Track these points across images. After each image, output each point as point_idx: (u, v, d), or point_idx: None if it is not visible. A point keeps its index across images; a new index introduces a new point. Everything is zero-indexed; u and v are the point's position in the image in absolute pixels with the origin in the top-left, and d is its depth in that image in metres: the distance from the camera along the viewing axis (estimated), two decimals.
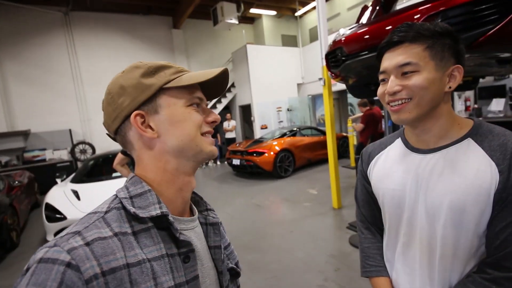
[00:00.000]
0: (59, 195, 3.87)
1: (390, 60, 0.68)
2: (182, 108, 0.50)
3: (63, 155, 7.62)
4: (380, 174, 0.81)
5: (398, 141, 0.80)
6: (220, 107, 9.81)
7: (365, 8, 2.93)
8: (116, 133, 0.51)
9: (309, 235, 3.33)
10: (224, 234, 0.64)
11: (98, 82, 8.15)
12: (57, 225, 3.44)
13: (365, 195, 0.89)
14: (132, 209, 0.45)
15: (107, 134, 0.54)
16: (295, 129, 7.30)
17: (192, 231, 0.53)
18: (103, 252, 0.39)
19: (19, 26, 7.38)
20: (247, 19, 11.22)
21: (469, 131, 0.68)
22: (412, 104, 0.66)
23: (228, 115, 9.06)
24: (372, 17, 2.72)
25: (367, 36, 2.14)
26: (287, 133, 7.06)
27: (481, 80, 5.03)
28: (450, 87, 0.66)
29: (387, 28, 1.99)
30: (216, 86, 0.57)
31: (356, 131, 5.51)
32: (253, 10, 10.05)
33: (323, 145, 6.34)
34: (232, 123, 8.93)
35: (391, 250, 0.82)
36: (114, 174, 4.58)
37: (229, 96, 10.08)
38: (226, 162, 7.54)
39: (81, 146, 7.87)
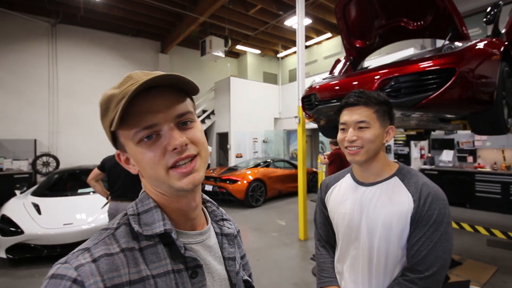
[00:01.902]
0: (18, 207, 3.64)
1: (349, 116, 0.94)
2: (135, 147, 0.46)
3: (23, 166, 7.14)
4: (335, 201, 1.05)
5: (348, 176, 1.07)
6: None
7: (337, 61, 3.41)
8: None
9: (274, 264, 3.43)
10: (240, 244, 0.65)
11: (75, 95, 8.02)
12: (11, 240, 3.19)
13: (323, 218, 1.13)
14: (136, 227, 0.46)
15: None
16: (269, 160, 7.58)
17: (201, 245, 0.52)
18: (108, 269, 0.41)
19: (2, 31, 7.23)
20: (233, 54, 11.92)
21: (396, 171, 0.97)
22: (363, 151, 0.92)
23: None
24: (343, 71, 3.19)
25: (337, 88, 2.52)
26: (261, 163, 7.30)
27: (433, 132, 5.77)
28: (386, 140, 0.96)
29: (354, 83, 2.38)
30: (181, 85, 0.49)
31: (323, 165, 5.89)
32: (239, 47, 10.76)
33: (294, 178, 6.63)
34: (208, 149, 9.03)
35: (341, 263, 1.03)
36: (79, 190, 4.41)
37: (208, 122, 10.29)
38: None
39: (44, 158, 7.44)
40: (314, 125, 7.58)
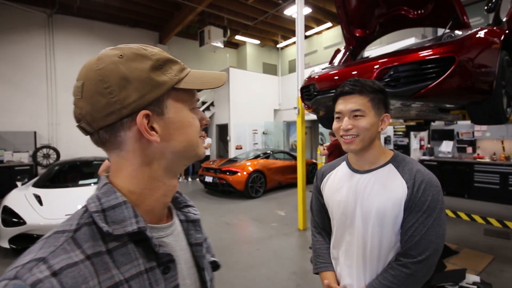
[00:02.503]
0: (20, 198, 3.68)
1: (345, 105, 0.94)
2: (188, 112, 0.48)
3: (24, 158, 7.17)
4: (330, 189, 1.06)
5: (344, 164, 1.07)
6: None
7: (337, 51, 3.38)
8: (102, 129, 0.43)
9: (274, 254, 3.48)
10: (202, 229, 0.62)
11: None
12: (14, 230, 3.25)
13: (318, 206, 1.14)
14: (105, 227, 0.40)
15: (79, 126, 0.44)
16: (269, 152, 7.59)
17: (171, 236, 0.50)
18: (74, 283, 0.34)
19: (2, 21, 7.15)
20: (232, 44, 11.78)
21: (390, 159, 0.97)
22: (358, 139, 0.93)
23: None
24: (342, 60, 3.16)
25: (336, 77, 2.51)
26: (261, 155, 7.32)
27: (432, 123, 5.76)
28: (381, 129, 0.96)
29: (353, 72, 2.37)
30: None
31: (323, 157, 5.91)
32: (238, 37, 10.63)
33: (293, 169, 6.66)
34: (208, 140, 9.05)
35: (336, 249, 1.05)
36: (80, 182, 4.45)
37: (208, 114, 10.27)
38: (198, 179, 7.55)
39: (45, 150, 7.47)
40: (314, 117, 7.56)
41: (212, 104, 10.38)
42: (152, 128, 0.44)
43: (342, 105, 0.95)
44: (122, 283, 0.38)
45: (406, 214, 0.88)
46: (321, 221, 1.14)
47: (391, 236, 0.90)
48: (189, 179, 9.15)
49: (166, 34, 9.41)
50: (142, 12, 8.44)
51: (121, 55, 0.42)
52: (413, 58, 2.06)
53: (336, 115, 0.98)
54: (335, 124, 0.99)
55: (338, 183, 1.03)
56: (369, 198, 0.93)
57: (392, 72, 2.10)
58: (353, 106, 0.92)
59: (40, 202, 3.62)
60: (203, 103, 10.33)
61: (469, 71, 1.91)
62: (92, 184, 4.18)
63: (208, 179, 6.80)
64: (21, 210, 3.41)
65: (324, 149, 5.20)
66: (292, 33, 10.09)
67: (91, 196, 0.44)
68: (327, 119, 3.30)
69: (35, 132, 7.54)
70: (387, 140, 7.27)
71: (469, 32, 1.99)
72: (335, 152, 5.01)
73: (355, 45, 3.33)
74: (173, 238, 0.50)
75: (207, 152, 9.03)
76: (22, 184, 4.42)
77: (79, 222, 0.40)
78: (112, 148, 0.45)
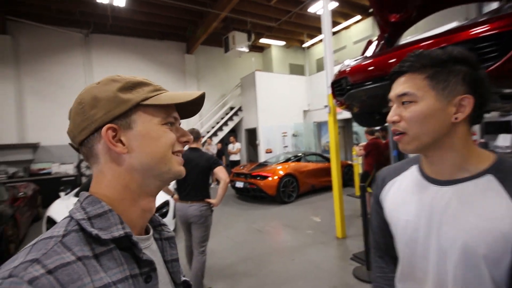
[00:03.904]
0: (62, 209, 3.85)
1: (394, 89, 0.69)
2: (157, 126, 0.50)
3: (69, 169, 7.70)
4: (394, 202, 0.77)
5: (414, 168, 0.76)
6: (226, 129, 9.97)
7: (369, 43, 3.07)
8: (81, 144, 0.49)
9: (311, 265, 3.22)
10: (176, 246, 0.63)
11: None
12: None
13: (378, 221, 0.85)
14: (94, 231, 0.42)
15: (70, 144, 0.52)
16: (300, 154, 7.32)
17: (148, 249, 0.51)
18: (70, 279, 0.36)
19: (40, 44, 7.84)
20: (257, 48, 11.73)
21: (490, 166, 0.63)
22: (408, 138, 0.66)
23: (232, 138, 9.17)
24: (377, 51, 2.85)
25: (371, 68, 2.23)
26: (292, 158, 7.07)
27: (486, 115, 5.08)
28: (456, 118, 0.62)
29: (391, 61, 2.08)
30: (192, 107, 0.57)
31: (360, 158, 5.51)
32: (263, 40, 10.55)
33: (327, 172, 6.31)
34: (237, 145, 9.01)
35: (403, 284, 0.76)
36: None
37: (236, 119, 10.27)
38: (229, 185, 7.50)
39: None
40: (346, 115, 7.15)
41: (240, 109, 10.37)
42: (121, 141, 0.47)
43: (392, 90, 0.70)
44: (110, 285, 0.40)
45: None
46: (382, 241, 0.85)
47: (487, 286, 0.59)
48: None
49: (193, 44, 9.63)
50: (168, 24, 8.73)
51: (98, 82, 0.50)
52: (467, 37, 1.73)
53: (390, 104, 0.72)
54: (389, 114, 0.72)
55: (405, 196, 0.74)
56: (450, 225, 0.63)
57: None
58: (400, 90, 0.66)
59: None
60: (231, 108, 10.35)
61: None
62: None
63: (239, 184, 6.71)
64: None
65: (360, 149, 4.81)
66: (318, 30, 9.74)
67: (74, 207, 0.45)
68: (362, 115, 3.00)
69: None
70: None
71: None
72: (373, 152, 4.62)
73: (390, 32, 3.00)
74: (150, 252, 0.51)
75: (237, 157, 8.98)
76: (65, 194, 4.68)
77: (66, 229, 0.42)
78: (92, 161, 0.49)
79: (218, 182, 9.06)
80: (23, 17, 7.46)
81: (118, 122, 0.47)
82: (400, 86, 0.67)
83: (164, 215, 4.25)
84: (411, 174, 0.76)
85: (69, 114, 0.49)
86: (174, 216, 4.61)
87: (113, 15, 7.70)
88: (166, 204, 4.39)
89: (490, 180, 0.62)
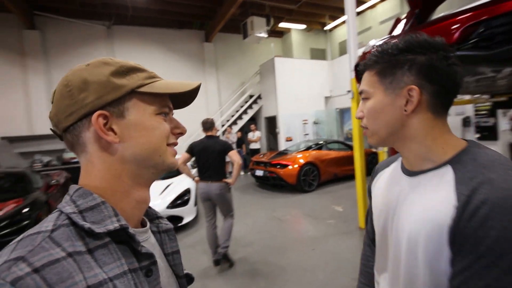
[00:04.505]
0: None
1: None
2: (152, 115, 0.47)
3: None
4: (377, 193, 0.79)
5: (399, 160, 0.74)
6: (246, 118, 9.91)
7: (398, 21, 2.82)
8: (66, 131, 0.45)
9: (332, 255, 3.15)
10: (176, 238, 0.61)
11: None
12: None
13: (368, 210, 0.88)
14: (87, 225, 0.39)
15: (51, 129, 0.48)
16: (321, 142, 7.13)
17: (147, 242, 0.49)
18: (59, 278, 0.33)
19: (67, 38, 8.12)
20: (276, 33, 11.39)
21: (453, 156, 0.59)
22: (369, 132, 0.67)
23: (253, 126, 9.11)
24: (407, 28, 2.61)
25: None
26: (313, 146, 6.91)
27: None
28: (405, 110, 0.60)
29: None
30: (185, 98, 0.54)
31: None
32: (282, 24, 10.20)
33: (350, 160, 6.10)
34: (257, 134, 8.95)
35: (378, 272, 0.76)
36: None
37: (255, 107, 10.17)
38: (249, 173, 7.51)
39: None
40: None
41: (259, 97, 10.23)
42: (112, 130, 0.44)
43: None
44: (106, 281, 0.37)
45: (455, 252, 0.52)
46: (371, 230, 0.85)
47: (430, 277, 0.56)
48: (241, 173, 9.22)
49: (211, 31, 9.53)
50: (187, 12, 8.66)
51: (88, 64, 0.46)
52: None
53: None
54: None
55: (385, 186, 0.74)
56: (404, 215, 0.62)
57: (482, 29, 1.58)
58: (359, 87, 0.69)
59: None
60: (250, 96, 10.25)
61: None
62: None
63: (259, 172, 6.70)
64: None
65: None
66: (341, 11, 9.21)
67: (64, 201, 0.43)
68: None
69: None
70: (466, 122, 6.10)
71: None
72: None
73: (421, 8, 2.73)
74: (148, 244, 0.49)
75: (257, 146, 8.94)
76: None
77: (55, 223, 0.39)
78: (79, 151, 0.46)
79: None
80: (49, 11, 7.73)
81: (110, 109, 0.44)
82: (360, 84, 0.68)
83: (185, 202, 4.33)
84: (396, 166, 0.76)
85: (52, 97, 0.46)
86: (196, 204, 4.70)
87: (132, 5, 7.77)
88: (187, 192, 4.47)
89: (447, 171, 0.58)
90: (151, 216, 0.58)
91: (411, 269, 0.60)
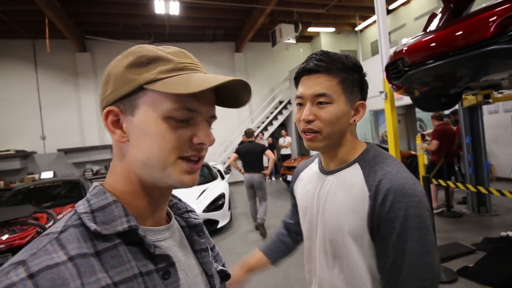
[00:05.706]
0: None
1: (308, 87, 0.70)
2: (158, 120, 0.40)
3: None
4: (300, 192, 0.87)
5: (316, 161, 0.85)
6: (276, 123, 9.99)
7: (433, 16, 2.73)
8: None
9: None
10: (208, 235, 0.58)
11: None
12: None
13: (292, 206, 1.01)
14: (93, 226, 0.37)
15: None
16: None
17: (170, 240, 0.46)
18: (51, 285, 0.31)
19: (112, 58, 8.80)
20: (305, 38, 11.40)
21: (359, 155, 0.72)
22: (321, 137, 0.70)
23: (284, 131, 9.15)
24: (441, 24, 2.52)
25: (433, 44, 1.99)
26: None
27: None
28: (354, 120, 0.72)
29: (457, 33, 1.82)
30: (234, 96, 0.47)
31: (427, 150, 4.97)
32: (311, 29, 10.20)
33: None
34: (288, 139, 8.96)
35: (308, 265, 0.83)
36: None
37: (285, 113, 10.21)
38: (280, 178, 7.53)
39: None
40: (408, 101, 6.45)
41: (289, 102, 10.27)
42: (122, 127, 0.42)
43: (304, 88, 0.71)
44: (109, 287, 0.35)
45: (375, 239, 0.64)
46: (290, 215, 1.03)
47: (358, 263, 0.66)
48: (273, 179, 9.26)
49: (241, 41, 9.84)
50: (218, 26, 9.07)
51: (122, 54, 0.44)
52: None
53: (297, 101, 0.74)
54: (296, 114, 0.74)
55: (306, 185, 0.84)
56: (328, 209, 0.72)
57: None
58: (318, 90, 0.68)
59: None
60: (280, 102, 10.32)
61: None
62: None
63: (290, 178, 6.69)
64: None
65: (426, 139, 4.35)
66: (372, 10, 8.96)
67: (82, 199, 0.42)
68: (425, 99, 2.71)
69: None
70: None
71: None
72: (445, 139, 4.13)
73: (456, 2, 2.62)
74: (172, 242, 0.46)
75: (288, 151, 8.95)
76: None
77: (65, 224, 0.38)
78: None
79: (270, 176, 9.20)
80: (98, 35, 8.61)
81: (121, 105, 0.41)
82: (317, 86, 0.69)
83: (220, 206, 4.49)
84: (314, 166, 0.85)
85: None
86: (229, 208, 4.85)
87: (169, 24, 8.35)
88: (222, 196, 4.63)
89: (356, 168, 0.70)
90: (181, 209, 0.55)
91: (340, 257, 0.69)
